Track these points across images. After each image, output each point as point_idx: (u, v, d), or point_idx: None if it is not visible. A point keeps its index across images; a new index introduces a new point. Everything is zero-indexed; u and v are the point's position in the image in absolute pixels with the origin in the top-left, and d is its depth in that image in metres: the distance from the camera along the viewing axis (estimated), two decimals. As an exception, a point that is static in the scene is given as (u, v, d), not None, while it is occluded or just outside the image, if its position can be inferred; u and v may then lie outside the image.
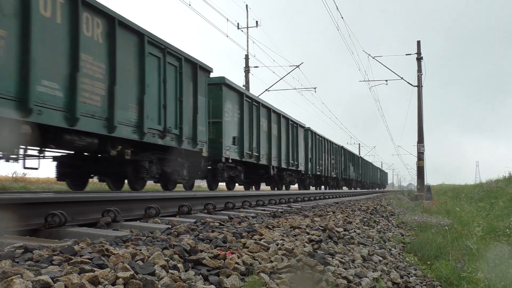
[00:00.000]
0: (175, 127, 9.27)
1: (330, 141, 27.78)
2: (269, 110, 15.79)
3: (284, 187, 19.04)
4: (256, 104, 14.51)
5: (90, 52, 6.84)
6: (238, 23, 22.92)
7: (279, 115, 16.95)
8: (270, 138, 15.63)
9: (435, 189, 29.18)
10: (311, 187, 25.03)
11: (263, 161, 14.96)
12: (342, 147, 31.87)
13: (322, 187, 27.17)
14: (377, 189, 52.81)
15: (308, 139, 22.22)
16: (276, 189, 17.74)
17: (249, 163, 14.00)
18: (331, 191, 18.87)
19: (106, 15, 7.24)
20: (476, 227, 7.26)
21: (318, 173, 23.96)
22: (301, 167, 20.27)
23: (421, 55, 22.68)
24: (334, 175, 28.32)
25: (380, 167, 72.18)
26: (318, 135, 24.44)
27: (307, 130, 21.86)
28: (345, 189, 33.46)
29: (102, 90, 7.12)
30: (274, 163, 16.02)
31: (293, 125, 18.93)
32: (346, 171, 33.11)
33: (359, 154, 54.84)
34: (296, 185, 22.55)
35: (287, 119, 18.23)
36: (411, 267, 4.26)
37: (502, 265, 3.87)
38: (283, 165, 17.21)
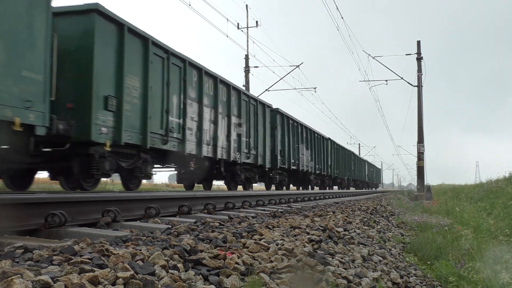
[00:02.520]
0: None
1: (235, 87, 12.85)
2: None
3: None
4: None
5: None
6: (238, 23, 22.83)
7: None
8: None
9: (435, 189, 29.20)
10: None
11: None
12: (285, 115, 17.72)
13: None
14: (364, 190, 37.04)
15: (142, 61, 8.34)
16: None
17: None
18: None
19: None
20: (477, 225, 7.26)
21: (190, 152, 10.09)
22: (102, 132, 7.22)
23: (421, 55, 22.72)
24: (250, 161, 13.88)
25: (369, 161, 53.30)
26: (183, 60, 9.84)
27: (144, 41, 8.39)
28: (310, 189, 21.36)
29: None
30: None
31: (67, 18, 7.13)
32: (292, 158, 18.44)
33: (359, 154, 52.64)
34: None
35: None
36: (411, 267, 4.25)
37: (500, 265, 3.87)
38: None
